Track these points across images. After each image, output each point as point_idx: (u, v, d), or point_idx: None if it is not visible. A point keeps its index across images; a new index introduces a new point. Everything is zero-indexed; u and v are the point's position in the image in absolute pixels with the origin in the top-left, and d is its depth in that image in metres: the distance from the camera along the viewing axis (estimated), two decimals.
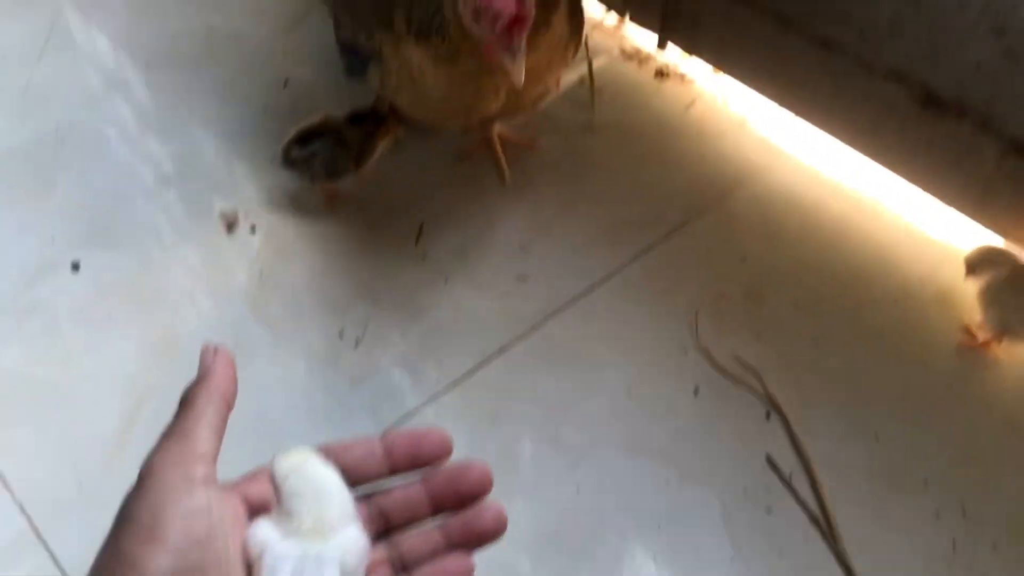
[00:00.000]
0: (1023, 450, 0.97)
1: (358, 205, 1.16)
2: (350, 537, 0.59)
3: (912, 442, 0.97)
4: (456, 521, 0.62)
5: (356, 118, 1.13)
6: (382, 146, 1.13)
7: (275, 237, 1.13)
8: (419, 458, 0.63)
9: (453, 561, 0.61)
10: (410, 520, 0.64)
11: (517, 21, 0.80)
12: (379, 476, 0.63)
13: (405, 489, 0.64)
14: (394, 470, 0.64)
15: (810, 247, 1.07)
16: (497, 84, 0.93)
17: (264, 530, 0.59)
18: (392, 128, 1.13)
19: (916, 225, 1.13)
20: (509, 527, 0.55)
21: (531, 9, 0.81)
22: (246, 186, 1.18)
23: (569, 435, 0.98)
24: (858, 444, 0.97)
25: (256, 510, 0.60)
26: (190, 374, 0.58)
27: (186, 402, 0.61)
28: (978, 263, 1.03)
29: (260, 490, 0.61)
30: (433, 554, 0.62)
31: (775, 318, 1.06)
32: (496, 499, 0.58)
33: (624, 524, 0.92)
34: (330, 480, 0.61)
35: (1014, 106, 0.97)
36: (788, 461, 0.96)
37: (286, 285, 1.09)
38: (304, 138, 1.11)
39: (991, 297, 1.01)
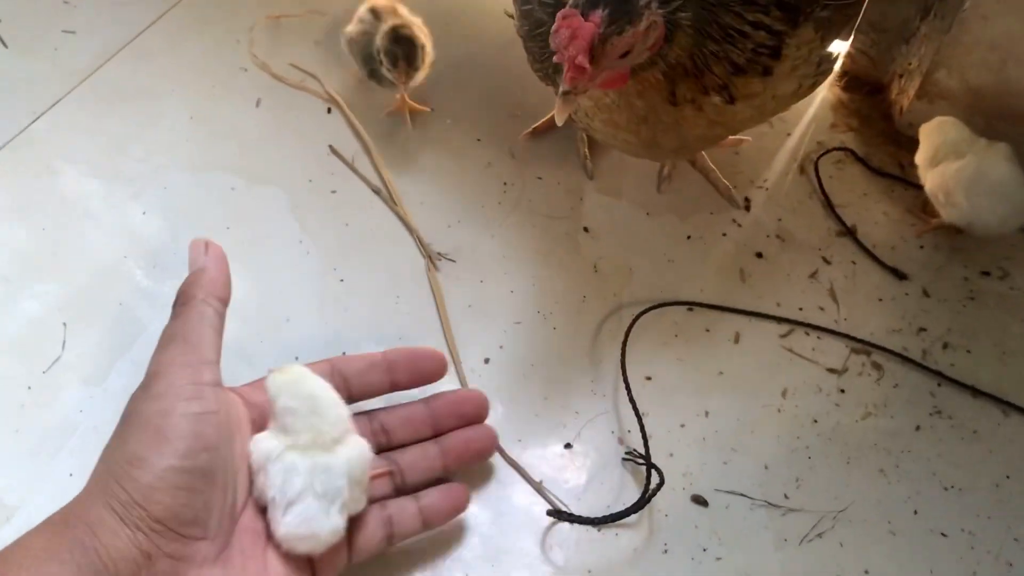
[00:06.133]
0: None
1: None
2: (355, 448, 0.60)
3: (473, 119, 1.02)
4: (455, 438, 0.68)
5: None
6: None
7: None
8: (417, 372, 0.69)
9: (453, 489, 0.67)
10: (411, 437, 0.68)
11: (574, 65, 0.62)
12: (381, 389, 0.68)
13: (408, 407, 0.69)
14: (395, 384, 0.68)
15: None
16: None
17: (269, 442, 0.59)
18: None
19: None
20: None
21: (596, 71, 0.63)
22: None
23: (130, 167, 0.96)
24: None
25: (259, 417, 0.62)
26: None
27: (183, 301, 0.60)
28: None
29: (263, 399, 0.62)
30: (430, 470, 0.67)
31: (332, 24, 1.07)
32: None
33: (193, 231, 0.92)
34: (324, 395, 0.61)
35: None
36: (350, 148, 0.99)
37: None
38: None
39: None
